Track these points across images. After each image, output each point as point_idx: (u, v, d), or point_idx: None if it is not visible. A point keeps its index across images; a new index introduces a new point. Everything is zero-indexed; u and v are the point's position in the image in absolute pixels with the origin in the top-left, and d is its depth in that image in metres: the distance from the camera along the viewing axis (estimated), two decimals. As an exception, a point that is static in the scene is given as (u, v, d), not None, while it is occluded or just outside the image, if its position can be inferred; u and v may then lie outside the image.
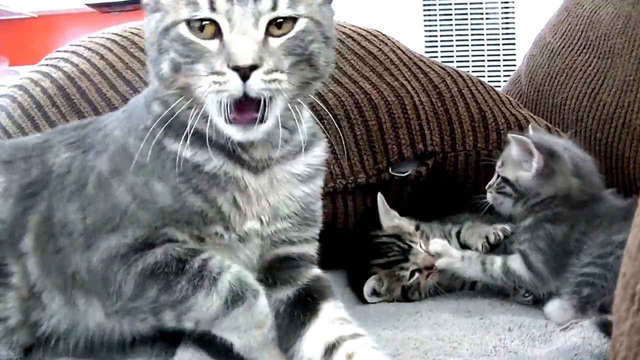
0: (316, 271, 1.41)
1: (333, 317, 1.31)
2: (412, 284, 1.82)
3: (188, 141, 1.24)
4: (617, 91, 2.08)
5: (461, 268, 1.70)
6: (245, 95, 1.13)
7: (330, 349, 1.25)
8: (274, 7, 1.16)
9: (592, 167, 1.72)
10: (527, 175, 1.67)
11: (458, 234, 1.98)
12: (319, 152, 1.42)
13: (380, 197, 1.92)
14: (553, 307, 1.50)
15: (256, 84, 1.12)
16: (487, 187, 1.79)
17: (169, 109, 1.22)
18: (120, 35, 2.02)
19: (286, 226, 1.36)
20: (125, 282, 1.21)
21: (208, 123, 1.20)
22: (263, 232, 1.33)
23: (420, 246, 1.85)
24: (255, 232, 1.32)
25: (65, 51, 2.03)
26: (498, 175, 1.76)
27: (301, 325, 1.30)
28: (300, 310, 1.32)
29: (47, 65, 2.00)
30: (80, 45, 2.03)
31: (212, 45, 1.16)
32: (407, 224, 1.92)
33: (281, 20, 1.17)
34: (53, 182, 1.35)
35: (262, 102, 1.16)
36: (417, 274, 1.82)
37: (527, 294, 1.68)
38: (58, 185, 1.34)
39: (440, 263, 1.72)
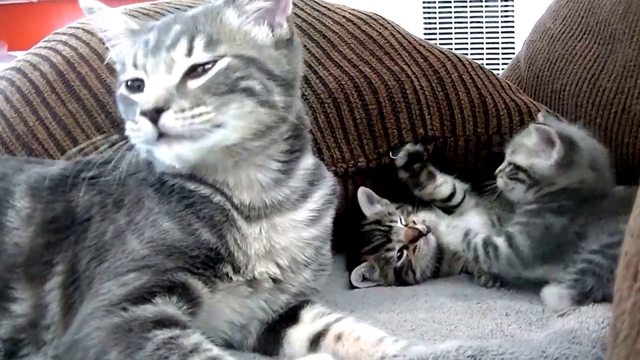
0: None
1: (313, 315, 1.35)
2: (403, 263, 1.84)
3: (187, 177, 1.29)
4: (617, 77, 2.09)
5: (444, 232, 1.74)
6: (164, 135, 1.15)
7: (317, 339, 1.29)
8: (189, 53, 1.18)
9: (606, 161, 1.72)
10: (545, 164, 1.66)
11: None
12: (323, 193, 1.41)
13: (361, 190, 1.94)
14: (550, 293, 1.49)
15: (169, 122, 1.13)
16: (496, 172, 1.78)
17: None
18: (120, 19, 2.01)
19: (308, 276, 1.37)
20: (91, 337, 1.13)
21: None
22: (288, 284, 1.34)
23: (401, 222, 1.88)
24: (270, 279, 1.31)
25: (64, 33, 2.01)
26: (509, 162, 1.75)
27: (282, 332, 1.35)
28: (281, 322, 1.36)
29: (45, 48, 1.98)
30: (79, 28, 2.01)
31: (138, 97, 1.20)
32: (387, 207, 1.95)
33: (205, 64, 1.19)
34: (76, 228, 1.35)
35: None
36: (405, 252, 1.84)
37: (489, 282, 1.73)
38: (82, 233, 1.34)
39: (428, 222, 1.77)
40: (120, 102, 1.28)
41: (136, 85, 1.23)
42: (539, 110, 2.08)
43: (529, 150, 1.70)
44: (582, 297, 1.41)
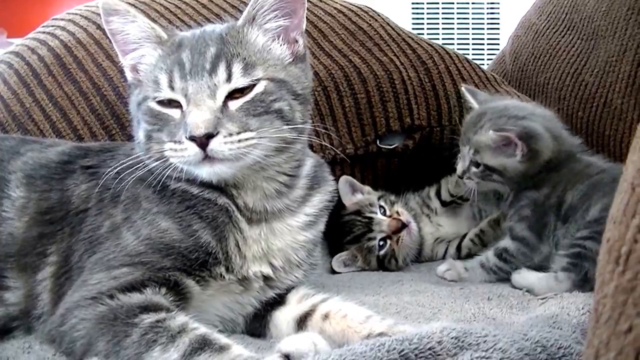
0: None
1: (299, 297, 1.38)
2: (386, 252, 1.88)
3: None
4: (600, 71, 2.12)
5: (469, 278, 1.72)
6: (211, 158, 1.18)
7: (304, 319, 1.33)
8: (229, 79, 1.22)
9: (558, 123, 1.75)
10: (514, 162, 1.66)
11: (438, 193, 2.05)
12: (322, 198, 1.44)
13: (342, 179, 1.96)
14: (538, 277, 1.54)
15: (219, 147, 1.17)
16: (460, 174, 1.78)
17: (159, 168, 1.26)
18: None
19: (299, 275, 1.40)
20: (77, 329, 1.15)
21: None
22: (279, 282, 1.36)
23: (385, 212, 1.91)
24: (261, 277, 1.33)
25: (62, 19, 2.03)
26: (472, 162, 1.72)
27: (268, 315, 1.37)
28: (267, 306, 1.38)
29: (44, 32, 2.00)
30: (77, 14, 2.03)
31: (175, 113, 1.23)
32: (369, 197, 1.97)
33: (243, 87, 1.22)
34: (71, 219, 1.36)
35: None
36: (388, 242, 1.88)
37: None
38: (77, 225, 1.35)
39: (449, 274, 1.74)
40: (146, 116, 1.27)
41: (167, 102, 1.24)
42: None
43: (493, 149, 1.68)
44: (583, 282, 1.46)
